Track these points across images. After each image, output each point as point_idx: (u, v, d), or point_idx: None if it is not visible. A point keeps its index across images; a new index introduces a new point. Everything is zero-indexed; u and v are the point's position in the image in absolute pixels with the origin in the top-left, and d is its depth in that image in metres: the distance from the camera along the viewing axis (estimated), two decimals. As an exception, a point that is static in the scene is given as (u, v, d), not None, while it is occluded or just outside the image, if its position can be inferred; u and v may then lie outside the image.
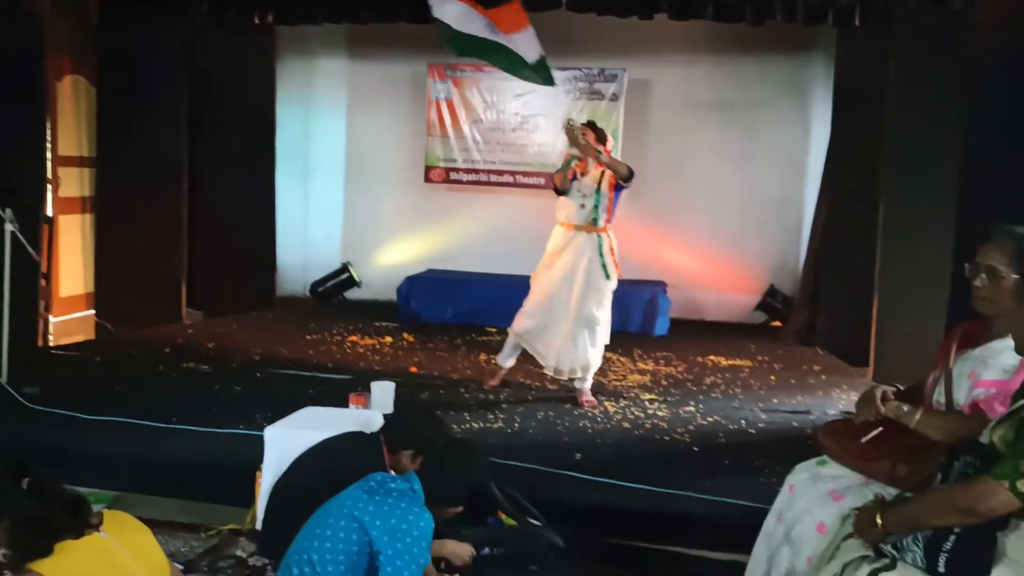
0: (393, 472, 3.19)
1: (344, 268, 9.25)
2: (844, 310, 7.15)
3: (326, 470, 3.29)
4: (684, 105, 8.59)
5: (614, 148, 8.56)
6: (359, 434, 3.54)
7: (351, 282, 9.26)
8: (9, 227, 5.07)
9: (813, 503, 2.75)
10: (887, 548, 2.26)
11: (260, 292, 8.68)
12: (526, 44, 5.74)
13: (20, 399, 4.89)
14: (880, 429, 2.63)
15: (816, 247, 7.69)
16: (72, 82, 7.99)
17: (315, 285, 9.23)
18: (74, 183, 8.01)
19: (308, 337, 7.31)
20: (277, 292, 9.05)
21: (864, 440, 2.64)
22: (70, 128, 7.96)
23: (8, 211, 5.06)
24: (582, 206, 5.36)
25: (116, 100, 7.55)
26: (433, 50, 8.67)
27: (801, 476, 2.89)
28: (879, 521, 2.27)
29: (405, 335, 7.50)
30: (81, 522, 2.32)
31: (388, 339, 7.36)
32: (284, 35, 8.72)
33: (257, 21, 7.74)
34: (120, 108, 7.54)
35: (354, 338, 7.34)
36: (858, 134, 7.01)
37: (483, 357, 6.75)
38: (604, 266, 5.32)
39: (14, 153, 5.81)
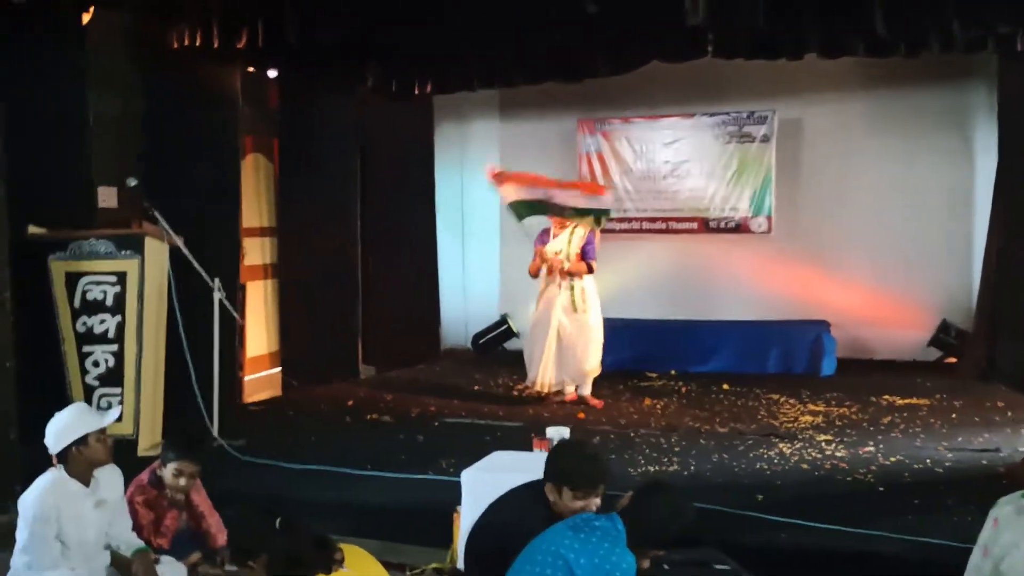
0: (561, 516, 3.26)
1: (503, 320, 9.56)
2: (1027, 343, 6.83)
3: (502, 522, 3.38)
4: (838, 141, 8.50)
5: (767, 188, 8.60)
6: (534, 484, 3.59)
7: (510, 333, 9.54)
8: (217, 295, 5.60)
9: (1021, 535, 2.70)
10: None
11: (426, 346, 9.10)
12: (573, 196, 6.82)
13: (232, 451, 5.35)
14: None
15: (991, 278, 7.39)
16: (253, 160, 8.73)
17: (476, 337, 9.57)
18: (256, 252, 8.70)
19: (476, 388, 7.60)
20: (441, 345, 9.43)
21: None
22: (252, 202, 8.68)
23: (216, 281, 5.60)
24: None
25: (294, 174, 8.18)
26: (582, 106, 8.99)
27: (1005, 509, 2.83)
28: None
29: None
30: (328, 559, 2.58)
31: (552, 387, 7.53)
32: (440, 102, 9.22)
33: (417, 92, 8.26)
34: (298, 181, 8.16)
35: (520, 387, 7.57)
36: (1030, 159, 6.76)
37: (647, 402, 6.84)
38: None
39: (216, 227, 6.43)
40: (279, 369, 8.41)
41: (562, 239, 6.73)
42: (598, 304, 6.81)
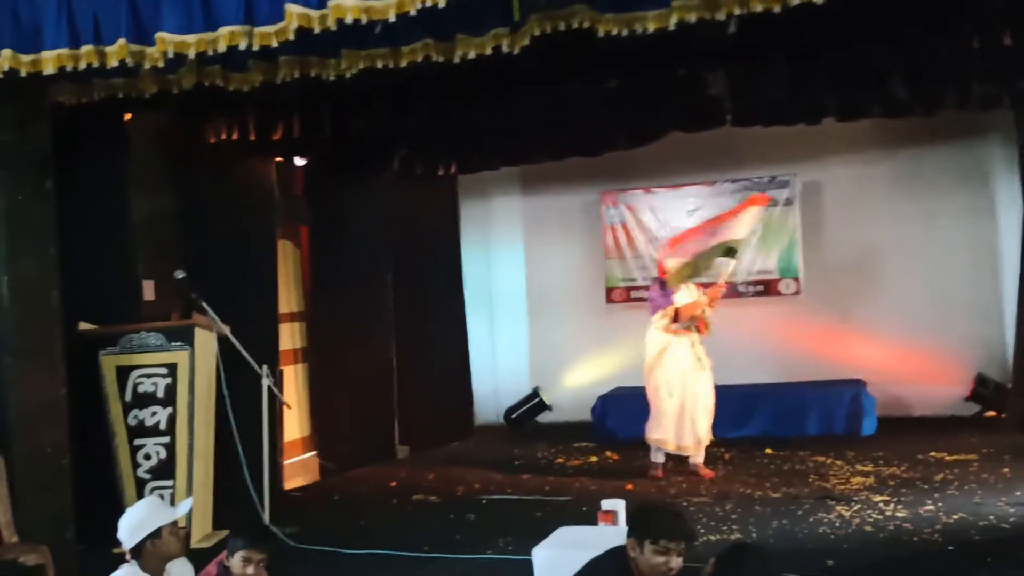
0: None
1: (535, 393, 9.54)
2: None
3: None
4: (861, 202, 8.59)
5: (793, 251, 8.68)
6: (610, 553, 3.58)
7: (542, 406, 9.52)
8: (266, 381, 5.62)
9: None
10: None
11: (459, 423, 9.06)
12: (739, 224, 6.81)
13: (285, 539, 5.30)
14: None
15: (1027, 330, 7.40)
16: (282, 247, 8.83)
17: (508, 412, 9.53)
18: (286, 336, 8.72)
19: (516, 463, 7.54)
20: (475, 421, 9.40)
21: None
22: (281, 288, 8.75)
23: (265, 367, 5.63)
24: None
25: (326, 259, 8.26)
26: (603, 178, 9.13)
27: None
28: None
29: (608, 453, 7.61)
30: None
31: (593, 458, 7.49)
32: (463, 181, 9.38)
33: (441, 173, 8.42)
34: (330, 265, 8.24)
35: (560, 460, 7.52)
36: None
37: (691, 471, 6.77)
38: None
39: (256, 314, 6.50)
40: (314, 453, 8.37)
41: (688, 293, 6.68)
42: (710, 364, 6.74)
